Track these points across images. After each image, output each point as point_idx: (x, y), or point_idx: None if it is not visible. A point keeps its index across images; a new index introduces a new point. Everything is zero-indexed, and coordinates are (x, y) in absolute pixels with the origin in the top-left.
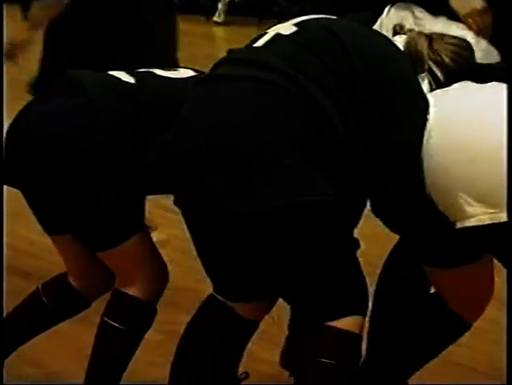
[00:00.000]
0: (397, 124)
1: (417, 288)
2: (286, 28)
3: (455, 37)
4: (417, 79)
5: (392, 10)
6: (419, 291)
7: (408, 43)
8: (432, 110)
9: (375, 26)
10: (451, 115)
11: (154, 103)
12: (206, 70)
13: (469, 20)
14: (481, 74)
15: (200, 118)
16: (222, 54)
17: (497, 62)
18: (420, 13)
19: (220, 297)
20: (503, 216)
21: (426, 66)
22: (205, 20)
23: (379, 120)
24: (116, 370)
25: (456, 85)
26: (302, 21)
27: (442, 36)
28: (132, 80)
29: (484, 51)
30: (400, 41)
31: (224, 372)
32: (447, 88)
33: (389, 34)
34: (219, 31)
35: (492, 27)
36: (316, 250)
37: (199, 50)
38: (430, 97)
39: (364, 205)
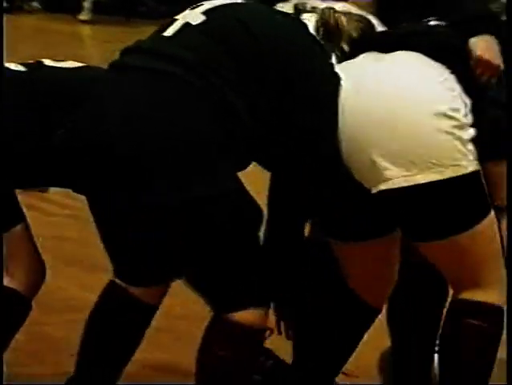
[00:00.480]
0: (308, 111)
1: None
2: (195, 17)
3: (359, 14)
4: (328, 62)
5: None
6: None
7: (324, 19)
8: (343, 83)
9: None
10: (360, 83)
11: (49, 91)
12: None
13: None
14: (384, 43)
15: (105, 111)
16: (90, 52)
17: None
18: None
19: (121, 283)
20: (419, 178)
21: (343, 41)
22: (72, 18)
23: (291, 108)
24: None
25: (361, 56)
26: (211, 9)
27: (349, 13)
28: (22, 69)
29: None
30: (310, 19)
31: (126, 356)
32: (353, 60)
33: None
34: (86, 30)
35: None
36: (217, 241)
37: (66, 49)
38: (339, 70)
39: None
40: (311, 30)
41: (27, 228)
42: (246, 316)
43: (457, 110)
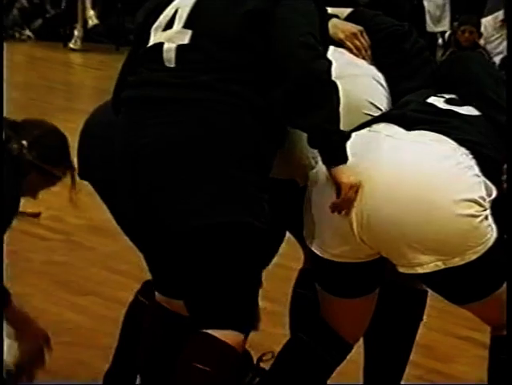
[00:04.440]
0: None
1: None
2: (178, 37)
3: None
4: None
5: None
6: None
7: None
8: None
9: None
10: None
11: None
12: (63, 96)
13: (347, 43)
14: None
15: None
16: (79, 80)
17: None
18: None
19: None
20: (457, 261)
21: None
22: (62, 47)
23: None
24: None
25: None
26: (187, 20)
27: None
28: None
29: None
30: None
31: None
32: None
33: None
34: (76, 58)
35: (372, 48)
36: (232, 266)
37: (56, 76)
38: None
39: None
40: None
41: None
42: (226, 335)
43: (483, 197)
